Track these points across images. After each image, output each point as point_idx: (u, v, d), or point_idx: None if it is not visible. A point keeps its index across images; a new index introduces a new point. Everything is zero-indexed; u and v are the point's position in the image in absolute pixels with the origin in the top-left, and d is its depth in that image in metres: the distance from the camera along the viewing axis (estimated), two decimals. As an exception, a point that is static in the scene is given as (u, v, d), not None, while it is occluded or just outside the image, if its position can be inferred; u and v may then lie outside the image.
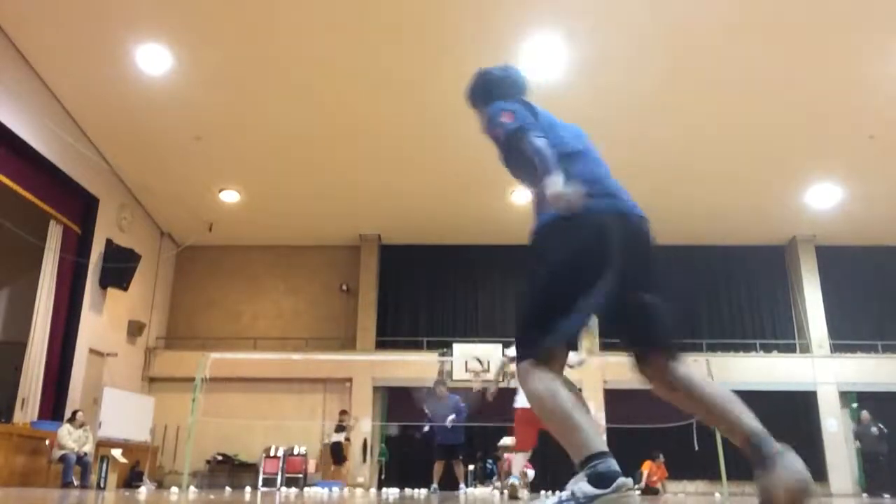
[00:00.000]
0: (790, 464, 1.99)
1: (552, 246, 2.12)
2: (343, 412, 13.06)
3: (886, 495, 11.29)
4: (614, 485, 1.84)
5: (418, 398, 10.17)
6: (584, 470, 1.89)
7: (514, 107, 2.49)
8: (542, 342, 2.04)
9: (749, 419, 2.16)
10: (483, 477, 12.64)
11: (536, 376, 2.04)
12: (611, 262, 2.05)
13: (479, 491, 11.45)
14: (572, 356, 5.99)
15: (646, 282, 2.21)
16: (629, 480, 1.87)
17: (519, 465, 6.11)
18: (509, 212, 14.16)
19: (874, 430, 12.63)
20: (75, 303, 12.18)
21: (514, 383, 6.55)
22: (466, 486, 10.28)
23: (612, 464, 1.89)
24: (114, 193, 13.19)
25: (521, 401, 5.99)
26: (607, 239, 2.10)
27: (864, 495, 12.74)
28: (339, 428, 12.49)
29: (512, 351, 6.32)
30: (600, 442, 1.98)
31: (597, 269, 2.03)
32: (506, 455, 11.37)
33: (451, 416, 9.59)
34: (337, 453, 12.28)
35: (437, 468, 9.88)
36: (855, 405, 13.88)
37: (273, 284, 15.82)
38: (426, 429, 9.94)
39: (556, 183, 2.03)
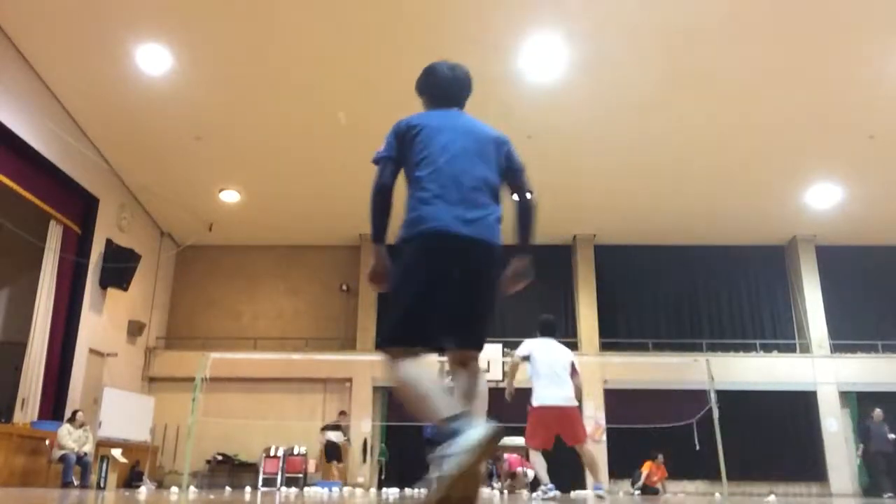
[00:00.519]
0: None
1: (395, 265, 2.54)
2: (342, 413, 13.07)
3: (888, 495, 11.25)
4: (462, 435, 2.06)
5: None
6: (444, 430, 2.16)
7: (390, 138, 2.76)
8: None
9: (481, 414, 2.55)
10: (485, 477, 12.63)
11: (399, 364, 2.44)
12: (433, 280, 2.42)
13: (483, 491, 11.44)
14: None
15: (467, 294, 2.50)
16: (481, 430, 2.05)
17: (534, 462, 6.19)
18: (509, 211, 14.15)
19: (887, 429, 12.26)
20: (75, 303, 12.18)
21: (526, 383, 6.57)
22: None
23: (464, 423, 2.11)
24: (114, 193, 13.19)
25: (537, 399, 6.07)
26: (431, 261, 2.45)
27: (883, 498, 12.66)
28: (335, 427, 12.53)
29: (520, 350, 6.34)
30: (452, 406, 2.23)
31: (421, 286, 2.42)
32: (506, 455, 11.39)
33: None
34: (332, 452, 12.33)
35: None
36: (856, 405, 13.90)
37: (273, 284, 15.82)
38: (428, 431, 9.96)
39: (379, 253, 2.57)
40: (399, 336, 2.47)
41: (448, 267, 2.46)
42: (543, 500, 5.94)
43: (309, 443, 13.63)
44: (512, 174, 3.03)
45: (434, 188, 2.63)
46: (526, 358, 6.27)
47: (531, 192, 3.04)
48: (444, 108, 2.94)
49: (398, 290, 2.50)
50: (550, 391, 6.03)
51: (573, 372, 6.25)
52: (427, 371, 2.43)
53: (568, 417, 6.03)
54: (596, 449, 13.57)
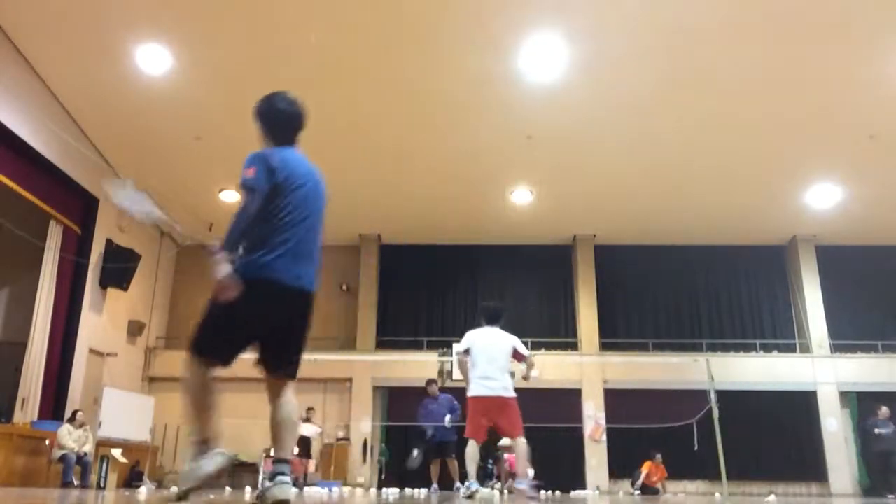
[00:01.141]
0: (282, 489, 2.86)
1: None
2: (309, 409, 13.02)
3: (892, 496, 11.19)
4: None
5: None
6: (198, 447, 2.83)
7: (260, 167, 2.93)
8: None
9: (286, 450, 2.97)
10: (483, 477, 12.62)
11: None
12: (253, 318, 2.91)
13: (480, 491, 11.43)
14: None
15: (290, 333, 3.05)
16: (220, 458, 2.81)
17: (467, 453, 6.01)
18: (509, 212, 14.17)
19: (893, 427, 11.90)
20: (75, 303, 12.18)
21: (523, 383, 6.51)
22: (462, 484, 10.30)
23: (207, 453, 2.80)
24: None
25: (471, 390, 5.96)
26: (262, 300, 2.87)
27: (888, 498, 12.55)
28: (306, 421, 12.58)
29: (461, 345, 6.28)
30: (210, 433, 2.85)
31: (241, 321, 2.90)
32: (506, 455, 11.39)
33: (448, 416, 9.65)
34: (305, 447, 12.38)
35: (434, 468, 9.92)
36: (856, 405, 13.90)
37: (273, 284, 15.80)
38: (430, 433, 9.95)
39: (222, 263, 2.78)
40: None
41: (275, 310, 2.93)
42: (464, 496, 5.81)
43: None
44: None
45: (287, 241, 2.94)
46: (467, 351, 6.12)
47: None
48: (289, 146, 3.19)
49: (226, 310, 2.85)
50: (484, 382, 5.90)
51: (518, 356, 6.09)
52: (215, 388, 2.92)
53: (501, 408, 5.85)
54: (596, 449, 13.61)
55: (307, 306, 3.08)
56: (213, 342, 2.89)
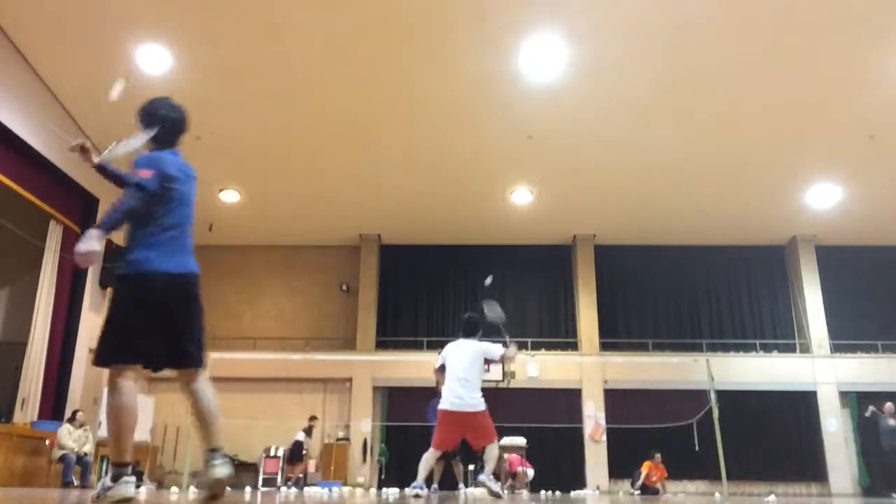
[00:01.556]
0: (216, 469, 3.12)
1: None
2: (313, 417, 13.08)
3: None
4: (122, 482, 2.94)
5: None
6: (114, 470, 2.98)
7: (153, 169, 3.20)
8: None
9: (214, 438, 3.17)
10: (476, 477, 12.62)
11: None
12: (147, 309, 3.05)
13: (479, 491, 11.45)
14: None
15: (179, 322, 3.12)
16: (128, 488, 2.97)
17: (424, 458, 6.10)
18: (509, 212, 14.17)
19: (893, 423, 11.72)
20: (75, 303, 12.17)
21: (513, 383, 6.54)
22: (466, 485, 10.30)
23: (123, 478, 2.96)
24: (114, 193, 13.03)
25: (441, 403, 6.06)
26: (145, 293, 3.07)
27: (893, 498, 12.48)
28: (307, 430, 12.63)
29: (438, 361, 6.36)
30: (128, 455, 3.02)
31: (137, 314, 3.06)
32: (506, 455, 11.39)
33: None
34: (296, 452, 12.41)
35: (436, 468, 9.91)
36: (856, 405, 13.89)
37: (273, 284, 15.82)
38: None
39: (92, 239, 3.02)
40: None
41: (159, 299, 3.10)
42: (413, 496, 5.83)
43: (309, 443, 13.63)
44: None
45: (168, 237, 3.26)
46: (442, 367, 6.25)
47: None
48: (172, 148, 3.51)
49: (120, 311, 3.11)
50: (450, 396, 5.98)
51: (494, 361, 6.20)
52: (136, 407, 3.07)
53: (468, 422, 5.94)
54: (596, 449, 13.61)
55: (189, 290, 3.25)
56: (117, 346, 3.02)
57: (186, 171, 3.46)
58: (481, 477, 6.10)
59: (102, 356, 3.05)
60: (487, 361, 6.15)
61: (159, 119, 3.46)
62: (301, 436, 12.65)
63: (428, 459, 6.07)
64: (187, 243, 3.35)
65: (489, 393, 6.12)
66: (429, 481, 10.07)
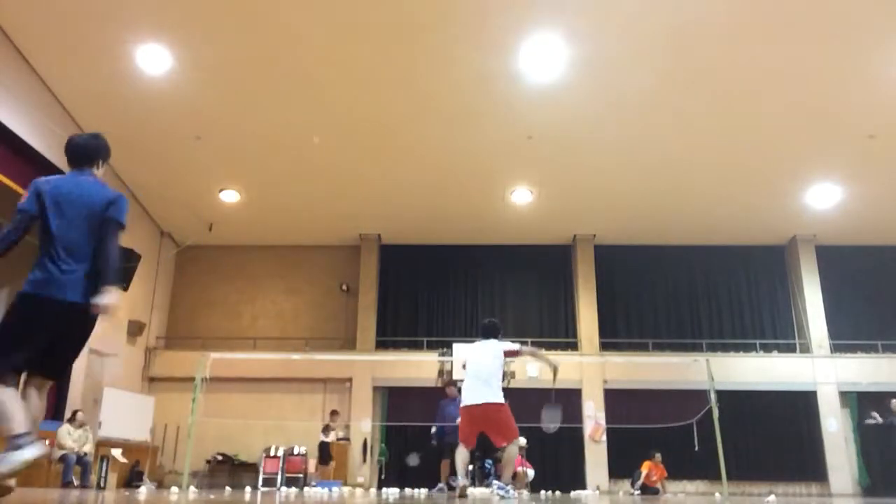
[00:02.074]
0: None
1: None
2: (334, 412, 13.06)
3: None
4: (26, 448, 3.00)
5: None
6: (11, 442, 3.03)
7: (30, 193, 3.33)
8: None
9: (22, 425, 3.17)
10: (482, 477, 12.62)
11: None
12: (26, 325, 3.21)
13: (479, 491, 11.45)
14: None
15: (57, 338, 3.26)
16: (31, 453, 2.99)
17: (456, 456, 6.29)
18: (509, 212, 14.17)
19: None
20: (75, 303, 12.15)
21: (513, 383, 6.62)
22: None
23: (25, 442, 3.01)
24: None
25: (462, 400, 6.29)
26: (31, 314, 3.22)
27: None
28: (326, 428, 12.58)
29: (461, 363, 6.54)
30: (21, 425, 3.05)
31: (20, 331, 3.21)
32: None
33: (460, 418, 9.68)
34: (324, 452, 12.38)
35: (444, 467, 9.93)
36: (856, 405, 13.88)
37: (273, 284, 15.82)
38: (433, 430, 9.96)
39: None
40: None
41: (40, 320, 3.24)
42: (458, 495, 5.94)
43: (309, 443, 13.64)
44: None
45: (51, 261, 3.42)
46: (464, 366, 6.53)
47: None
48: (76, 171, 3.65)
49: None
50: (471, 392, 6.20)
51: (512, 353, 6.39)
52: (10, 392, 3.14)
53: (488, 415, 6.11)
54: (596, 449, 13.61)
55: (71, 316, 3.28)
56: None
57: (73, 195, 3.43)
58: (496, 489, 6.19)
59: None
60: (508, 354, 6.35)
61: (66, 146, 3.67)
62: (329, 436, 12.57)
63: (460, 456, 6.24)
64: (71, 269, 3.35)
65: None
66: (435, 481, 10.12)
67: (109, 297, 3.25)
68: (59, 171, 11.21)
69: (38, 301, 3.24)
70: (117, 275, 3.31)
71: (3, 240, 3.28)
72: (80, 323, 3.33)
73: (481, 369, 6.24)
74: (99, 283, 3.30)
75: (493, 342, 6.44)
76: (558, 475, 13.37)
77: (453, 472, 9.91)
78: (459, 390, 10.29)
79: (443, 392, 10.54)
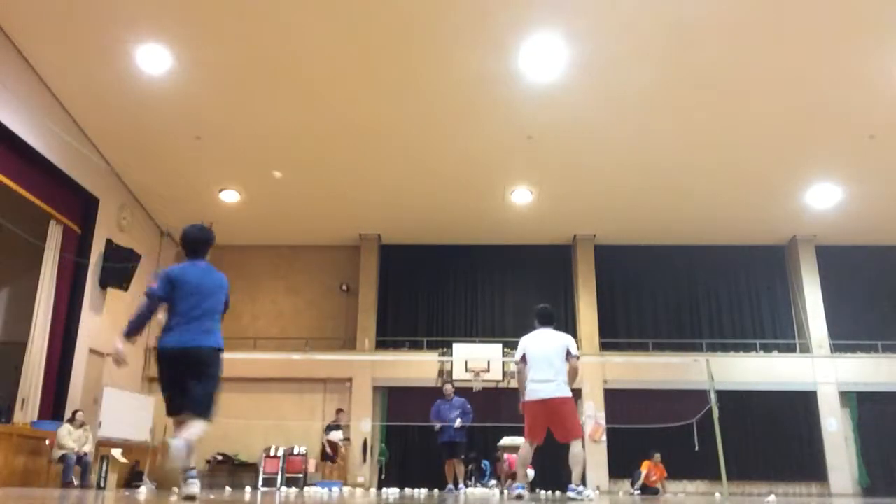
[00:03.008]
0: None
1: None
2: (339, 410, 13.06)
3: None
4: None
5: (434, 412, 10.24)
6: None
7: (162, 281, 4.15)
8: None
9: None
10: (478, 476, 12.63)
11: None
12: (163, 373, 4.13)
13: (480, 491, 11.46)
14: None
15: (189, 377, 4.04)
16: None
17: (519, 454, 5.96)
18: (509, 212, 14.17)
19: None
20: (75, 303, 12.17)
21: (513, 383, 6.51)
22: (465, 485, 10.33)
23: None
24: (114, 193, 13.18)
25: (527, 394, 5.88)
26: (162, 362, 4.10)
27: None
28: (335, 427, 12.56)
29: (517, 354, 6.16)
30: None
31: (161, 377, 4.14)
32: (506, 455, 11.39)
33: (458, 420, 9.68)
34: (331, 451, 12.38)
35: (448, 468, 9.92)
36: (856, 405, 13.88)
37: (273, 284, 15.82)
38: (437, 428, 9.96)
39: (119, 342, 4.23)
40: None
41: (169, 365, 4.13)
42: (515, 497, 5.57)
43: (309, 443, 13.64)
44: None
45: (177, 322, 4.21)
46: (523, 358, 6.05)
47: None
48: (194, 259, 4.38)
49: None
50: (538, 385, 5.79)
51: (569, 356, 5.91)
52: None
53: (556, 410, 5.73)
54: (596, 449, 13.60)
55: (195, 358, 4.08)
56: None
57: (194, 278, 4.24)
58: (570, 492, 5.73)
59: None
60: (568, 355, 5.93)
61: (181, 238, 4.42)
62: (335, 435, 12.56)
63: (523, 455, 5.91)
64: (197, 324, 4.14)
65: (489, 393, 6.13)
66: (442, 483, 10.07)
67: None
68: (59, 171, 11.28)
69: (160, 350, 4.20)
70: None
71: (140, 323, 4.10)
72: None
73: (550, 360, 5.83)
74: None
75: (555, 333, 6.09)
76: (558, 475, 13.36)
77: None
78: (456, 391, 10.34)
79: (440, 392, 10.52)
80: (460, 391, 10.70)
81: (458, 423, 9.70)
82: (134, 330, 4.09)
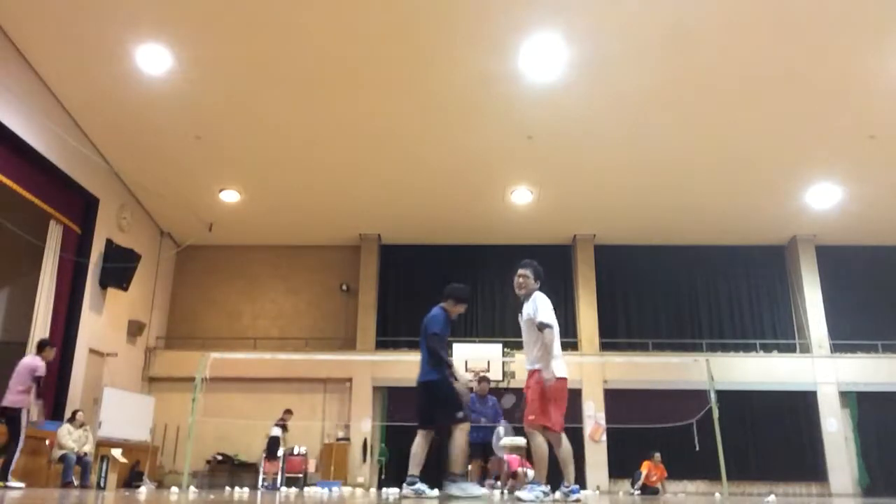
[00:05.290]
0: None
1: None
2: (287, 411, 13.06)
3: None
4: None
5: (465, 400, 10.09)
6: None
7: (445, 322, 5.82)
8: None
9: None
10: (483, 477, 12.59)
11: None
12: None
13: (479, 491, 11.43)
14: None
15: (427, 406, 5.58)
16: None
17: (564, 453, 5.27)
18: (509, 212, 14.17)
19: None
20: (75, 303, 12.18)
21: (514, 383, 6.49)
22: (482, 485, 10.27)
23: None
24: (114, 193, 13.18)
25: (559, 369, 5.12)
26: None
27: None
28: (281, 425, 12.63)
29: (547, 317, 5.57)
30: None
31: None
32: (506, 456, 11.37)
33: (502, 429, 9.57)
34: (273, 447, 12.42)
35: (474, 468, 9.82)
36: (856, 405, 13.88)
37: (273, 284, 15.82)
38: (474, 436, 9.85)
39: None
40: None
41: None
42: (573, 501, 5.04)
43: (309, 443, 13.64)
44: None
45: None
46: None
47: None
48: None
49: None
50: (563, 361, 5.06)
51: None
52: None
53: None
54: (596, 449, 13.61)
55: (423, 389, 5.57)
56: None
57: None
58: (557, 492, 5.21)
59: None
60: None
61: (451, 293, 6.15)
62: (276, 431, 12.63)
63: (569, 449, 5.25)
64: (422, 363, 5.61)
65: (489, 393, 6.09)
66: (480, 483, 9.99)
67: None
68: (59, 171, 11.28)
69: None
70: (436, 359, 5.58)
71: (448, 361, 5.56)
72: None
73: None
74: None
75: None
76: (558, 475, 13.35)
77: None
78: (491, 389, 10.05)
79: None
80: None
81: (503, 433, 9.53)
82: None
